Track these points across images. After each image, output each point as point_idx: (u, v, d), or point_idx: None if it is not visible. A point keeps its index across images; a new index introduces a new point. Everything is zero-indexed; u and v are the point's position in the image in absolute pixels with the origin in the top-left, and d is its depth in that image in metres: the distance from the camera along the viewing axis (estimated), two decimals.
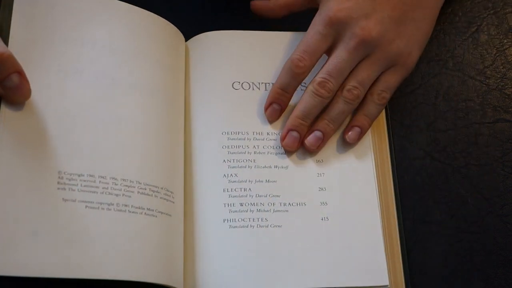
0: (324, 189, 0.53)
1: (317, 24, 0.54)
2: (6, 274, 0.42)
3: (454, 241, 0.54)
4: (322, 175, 0.54)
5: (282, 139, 0.54)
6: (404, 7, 0.54)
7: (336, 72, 0.53)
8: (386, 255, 0.51)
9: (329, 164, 0.54)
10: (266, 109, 0.56)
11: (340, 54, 0.53)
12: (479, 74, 0.61)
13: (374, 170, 0.54)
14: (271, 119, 0.56)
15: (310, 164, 0.54)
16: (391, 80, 0.55)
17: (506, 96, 0.60)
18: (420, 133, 0.58)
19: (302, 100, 0.54)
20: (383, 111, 0.58)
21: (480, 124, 0.58)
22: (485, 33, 0.62)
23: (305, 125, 0.54)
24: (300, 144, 0.54)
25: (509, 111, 0.59)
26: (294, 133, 0.54)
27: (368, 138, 0.56)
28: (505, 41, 0.62)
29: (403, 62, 0.55)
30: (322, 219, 0.52)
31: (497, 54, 0.61)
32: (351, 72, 0.54)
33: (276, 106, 0.55)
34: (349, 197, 0.53)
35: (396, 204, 0.54)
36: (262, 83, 0.57)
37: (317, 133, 0.54)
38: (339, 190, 0.53)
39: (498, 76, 0.60)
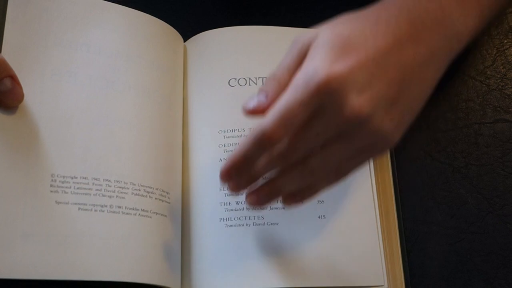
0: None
1: (301, 89, 0.42)
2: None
3: (454, 241, 0.54)
4: None
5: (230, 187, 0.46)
6: (402, 83, 0.44)
7: (305, 146, 0.44)
8: (385, 256, 0.51)
9: None
10: (223, 176, 0.45)
11: (317, 129, 0.43)
12: (479, 74, 0.61)
13: (373, 170, 0.54)
14: (232, 191, 0.46)
15: None
16: (360, 161, 0.46)
17: (506, 96, 0.59)
18: (420, 133, 0.58)
19: (261, 162, 0.45)
20: None
21: (480, 124, 0.58)
22: (485, 33, 0.62)
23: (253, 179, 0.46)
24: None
25: (509, 111, 0.59)
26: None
27: None
28: (505, 41, 0.62)
29: (383, 145, 0.45)
30: (319, 217, 0.52)
31: (497, 54, 0.61)
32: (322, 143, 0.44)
33: (236, 177, 0.45)
34: (346, 195, 0.53)
35: (396, 204, 0.54)
36: (258, 77, 0.57)
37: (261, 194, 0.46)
38: (336, 188, 0.53)
39: (498, 76, 0.60)
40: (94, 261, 0.45)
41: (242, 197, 0.52)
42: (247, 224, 0.51)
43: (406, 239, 0.53)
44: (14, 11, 0.50)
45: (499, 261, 0.53)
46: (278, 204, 0.52)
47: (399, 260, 0.52)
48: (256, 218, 0.51)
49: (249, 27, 0.59)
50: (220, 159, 0.54)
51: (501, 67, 0.61)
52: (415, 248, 0.53)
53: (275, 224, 0.51)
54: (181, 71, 0.57)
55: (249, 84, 0.56)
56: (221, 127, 0.55)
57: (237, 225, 0.51)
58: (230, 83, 0.56)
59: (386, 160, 0.56)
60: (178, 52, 0.58)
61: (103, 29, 0.53)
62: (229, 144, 0.54)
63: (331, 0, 0.63)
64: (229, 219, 0.51)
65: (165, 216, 0.50)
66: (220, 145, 0.54)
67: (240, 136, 0.54)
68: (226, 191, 0.52)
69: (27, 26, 0.51)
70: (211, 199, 0.52)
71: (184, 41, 0.59)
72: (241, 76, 0.57)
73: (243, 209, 0.52)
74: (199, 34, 0.59)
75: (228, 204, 0.52)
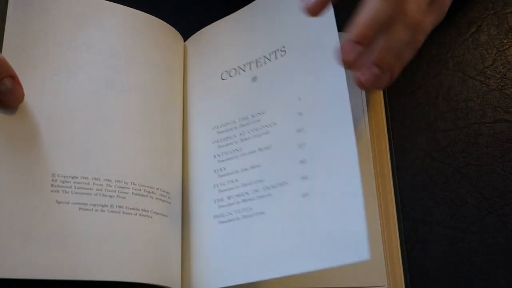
0: (307, 178, 0.50)
1: None
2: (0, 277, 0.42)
3: (454, 241, 0.54)
4: (305, 162, 0.51)
5: (344, 50, 0.47)
6: None
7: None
8: (385, 256, 0.51)
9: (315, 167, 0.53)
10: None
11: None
12: (479, 74, 0.61)
13: (373, 171, 0.54)
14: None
15: (292, 149, 0.51)
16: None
17: (506, 96, 0.59)
18: (420, 133, 0.58)
19: (367, 5, 0.47)
20: (383, 111, 0.58)
21: (480, 124, 0.58)
22: (485, 33, 0.62)
23: (370, 37, 0.47)
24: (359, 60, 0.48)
25: (509, 111, 0.59)
26: (358, 47, 0.47)
27: (367, 139, 0.55)
28: (505, 41, 0.62)
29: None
30: (305, 197, 0.49)
31: (497, 54, 0.61)
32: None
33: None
34: None
35: (396, 204, 0.54)
36: (246, 63, 0.56)
37: (375, 70, 0.48)
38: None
39: (498, 76, 0.60)
40: (94, 261, 0.45)
41: (232, 191, 0.51)
42: (237, 218, 0.50)
43: (406, 239, 0.53)
44: (14, 11, 0.50)
45: (499, 261, 0.53)
46: (264, 191, 0.50)
47: (399, 260, 0.52)
48: (244, 210, 0.50)
49: (237, 13, 0.58)
50: (214, 156, 0.53)
51: (501, 67, 0.61)
52: (415, 248, 0.53)
53: (262, 213, 0.50)
54: (181, 71, 0.57)
55: (239, 73, 0.56)
56: (215, 123, 0.54)
57: (229, 221, 0.50)
58: (222, 77, 0.56)
59: (386, 160, 0.56)
60: (178, 52, 0.58)
61: (103, 29, 0.54)
62: (222, 139, 0.54)
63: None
64: (222, 215, 0.51)
65: (166, 216, 0.50)
66: (215, 142, 0.54)
67: (232, 128, 0.54)
68: (220, 187, 0.52)
69: (27, 26, 0.51)
70: (207, 196, 0.52)
71: (185, 41, 0.59)
72: (232, 67, 0.56)
73: (233, 203, 0.51)
74: (197, 33, 0.58)
75: (221, 200, 0.51)
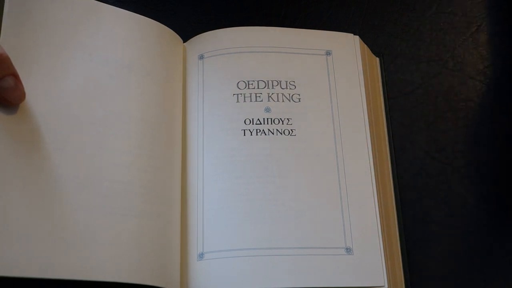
0: None
1: None
2: None
3: (454, 241, 0.54)
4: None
5: None
6: None
7: None
8: (385, 256, 0.51)
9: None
10: None
11: None
12: (479, 74, 0.61)
13: (373, 170, 0.54)
14: None
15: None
16: None
17: (506, 96, 0.60)
18: (420, 133, 0.58)
19: None
20: (383, 111, 0.58)
21: (480, 124, 0.58)
22: (485, 33, 0.62)
23: None
24: None
25: (509, 111, 0.59)
26: None
27: (367, 138, 0.55)
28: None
29: None
30: None
31: None
32: None
33: None
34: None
35: (396, 204, 0.54)
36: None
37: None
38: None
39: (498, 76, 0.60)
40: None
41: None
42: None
43: (406, 239, 0.53)
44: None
45: (499, 261, 0.53)
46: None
47: (399, 260, 0.52)
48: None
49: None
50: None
51: None
52: (415, 248, 0.53)
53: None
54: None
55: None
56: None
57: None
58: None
59: (386, 160, 0.56)
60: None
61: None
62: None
63: (331, 1, 0.64)
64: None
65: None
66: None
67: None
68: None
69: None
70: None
71: (184, 41, 0.59)
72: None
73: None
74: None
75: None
